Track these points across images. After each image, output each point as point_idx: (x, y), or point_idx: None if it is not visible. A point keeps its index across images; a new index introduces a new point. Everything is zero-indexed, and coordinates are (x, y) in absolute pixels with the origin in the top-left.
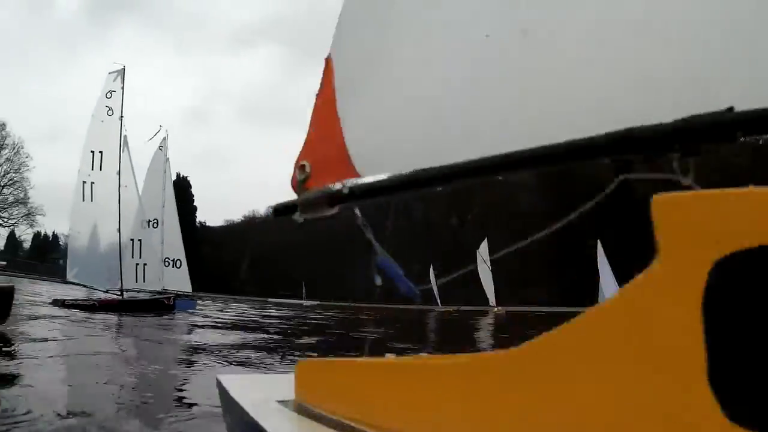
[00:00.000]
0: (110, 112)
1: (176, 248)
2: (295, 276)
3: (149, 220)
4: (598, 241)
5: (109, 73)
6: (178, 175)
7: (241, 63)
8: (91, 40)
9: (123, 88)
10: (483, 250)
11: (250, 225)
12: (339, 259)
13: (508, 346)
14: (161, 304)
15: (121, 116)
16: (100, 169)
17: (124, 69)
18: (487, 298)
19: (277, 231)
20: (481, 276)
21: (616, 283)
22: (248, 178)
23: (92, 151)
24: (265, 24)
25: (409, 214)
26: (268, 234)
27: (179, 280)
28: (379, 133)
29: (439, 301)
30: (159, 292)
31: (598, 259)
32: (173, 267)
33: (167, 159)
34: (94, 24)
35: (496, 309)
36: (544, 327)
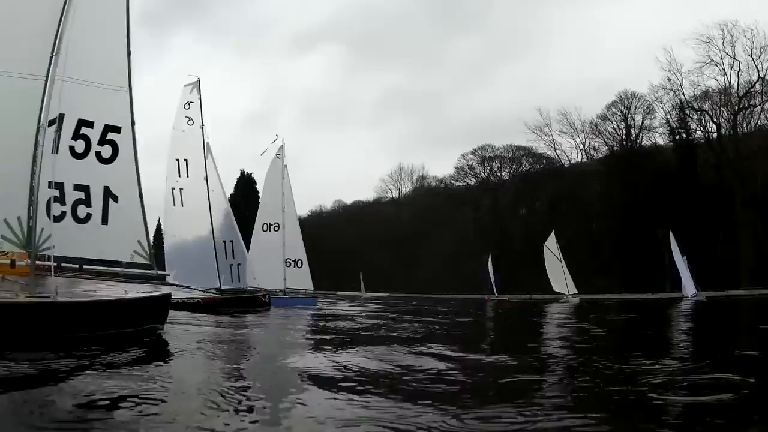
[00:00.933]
0: (190, 122)
1: (297, 249)
2: (355, 269)
3: (269, 224)
4: (671, 232)
5: (185, 85)
6: (242, 172)
7: (301, 65)
8: (149, 46)
9: (200, 98)
10: (551, 242)
11: (318, 220)
12: (393, 252)
13: None
14: (258, 301)
15: (202, 125)
16: (187, 176)
17: (198, 81)
18: (551, 287)
19: (342, 225)
20: (547, 266)
21: (690, 273)
22: (313, 177)
23: (177, 159)
24: (323, 26)
25: (478, 204)
26: (334, 227)
27: (301, 279)
28: None
29: (495, 290)
30: (253, 291)
31: (672, 249)
32: (294, 267)
33: (285, 166)
34: (152, 33)
35: (566, 296)
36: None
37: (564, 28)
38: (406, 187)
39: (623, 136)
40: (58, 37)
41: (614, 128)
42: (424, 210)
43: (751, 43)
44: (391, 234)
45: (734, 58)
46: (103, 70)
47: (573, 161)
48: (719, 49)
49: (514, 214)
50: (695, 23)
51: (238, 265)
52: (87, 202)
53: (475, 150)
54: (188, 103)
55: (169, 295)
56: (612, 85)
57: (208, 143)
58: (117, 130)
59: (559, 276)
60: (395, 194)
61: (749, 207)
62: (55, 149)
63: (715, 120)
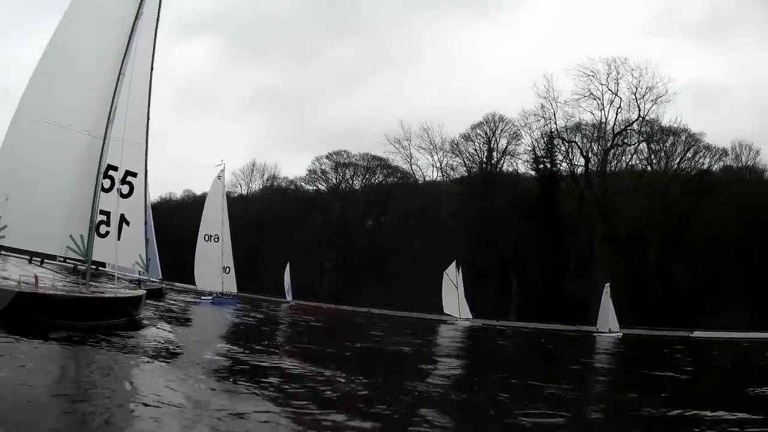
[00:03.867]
0: None
1: (228, 257)
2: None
3: (210, 235)
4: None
5: None
6: None
7: (179, 52)
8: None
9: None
10: (451, 270)
11: (167, 207)
12: (237, 249)
13: None
14: (160, 293)
15: None
16: None
17: None
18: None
19: (188, 216)
20: (443, 290)
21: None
22: (171, 162)
23: None
24: (205, 17)
25: (326, 210)
26: (181, 218)
27: (228, 282)
28: None
29: (288, 296)
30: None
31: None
32: (224, 272)
33: (224, 187)
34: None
35: (456, 318)
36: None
37: (443, 48)
38: (257, 185)
39: (484, 159)
40: (114, 105)
41: (476, 149)
42: (272, 209)
43: (637, 82)
44: (237, 230)
45: (616, 94)
46: (129, 129)
47: (428, 178)
48: (602, 84)
49: (361, 224)
50: (582, 57)
51: (149, 259)
52: (107, 223)
53: (330, 154)
54: None
55: (145, 293)
56: (483, 110)
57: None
58: (134, 174)
59: (453, 300)
60: (244, 190)
61: (609, 245)
62: None
63: (584, 153)
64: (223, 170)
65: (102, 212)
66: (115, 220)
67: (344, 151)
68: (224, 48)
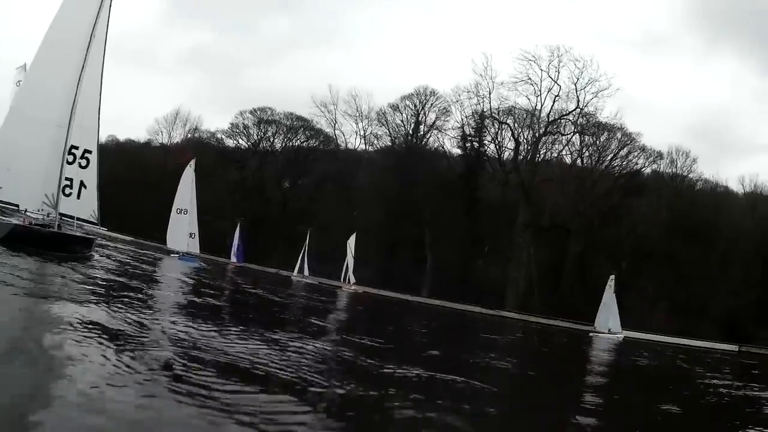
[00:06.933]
0: None
1: (194, 226)
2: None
3: (180, 209)
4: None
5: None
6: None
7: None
8: None
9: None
10: (351, 240)
11: None
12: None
13: None
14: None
15: None
16: None
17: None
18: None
19: (112, 162)
20: (348, 260)
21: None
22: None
23: None
24: None
25: (244, 167)
26: (106, 162)
27: (192, 245)
28: None
29: (233, 258)
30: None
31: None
32: (190, 237)
33: (194, 175)
34: None
35: (352, 287)
36: None
37: (378, 23)
38: (178, 134)
39: (410, 131)
40: (75, 103)
41: (402, 121)
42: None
43: (579, 72)
44: (154, 183)
45: (555, 82)
46: (86, 118)
47: (351, 145)
48: (542, 70)
49: (278, 184)
50: (522, 42)
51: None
52: (71, 186)
53: (254, 110)
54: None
55: (95, 237)
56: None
57: None
58: (90, 152)
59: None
60: (165, 139)
61: (530, 232)
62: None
63: (515, 137)
64: (194, 162)
65: (67, 179)
66: (76, 185)
67: (269, 107)
68: (164, 5)
